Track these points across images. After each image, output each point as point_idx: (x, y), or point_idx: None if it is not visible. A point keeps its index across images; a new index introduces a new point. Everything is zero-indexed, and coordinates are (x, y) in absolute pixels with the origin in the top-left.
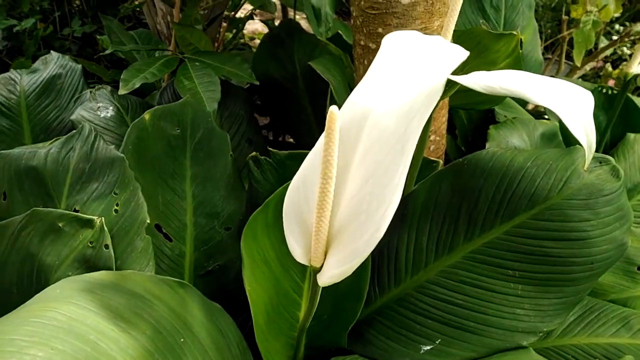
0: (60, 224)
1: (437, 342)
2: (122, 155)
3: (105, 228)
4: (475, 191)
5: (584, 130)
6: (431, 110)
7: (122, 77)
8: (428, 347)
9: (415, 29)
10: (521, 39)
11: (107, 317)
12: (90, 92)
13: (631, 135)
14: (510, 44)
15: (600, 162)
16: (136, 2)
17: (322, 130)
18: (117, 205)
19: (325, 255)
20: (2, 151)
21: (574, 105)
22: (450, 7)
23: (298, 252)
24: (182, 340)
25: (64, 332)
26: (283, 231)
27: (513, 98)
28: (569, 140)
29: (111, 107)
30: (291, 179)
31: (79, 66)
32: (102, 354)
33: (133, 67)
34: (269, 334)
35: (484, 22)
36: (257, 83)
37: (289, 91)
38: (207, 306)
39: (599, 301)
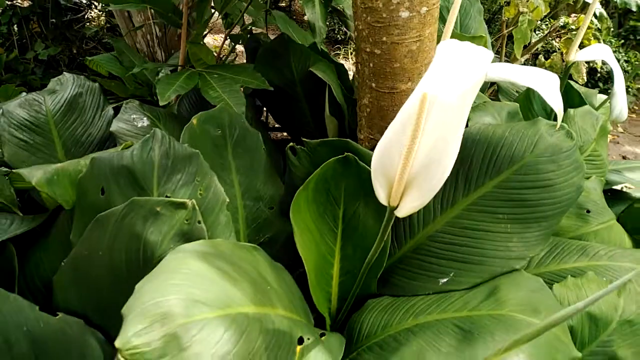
0: (158, 209)
1: (451, 274)
2: (197, 150)
3: (197, 207)
4: (468, 158)
5: (556, 100)
6: (476, 92)
7: (158, 91)
8: (444, 280)
9: (412, 37)
10: (485, 39)
11: (218, 271)
12: (124, 105)
13: (571, 110)
14: (480, 44)
15: (558, 128)
16: (95, 25)
17: (318, 125)
18: (200, 190)
19: (401, 197)
20: (94, 155)
21: (547, 84)
22: (448, 17)
23: (382, 196)
24: (268, 287)
25: (200, 277)
26: (319, 206)
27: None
28: (527, 116)
29: (145, 118)
30: (322, 162)
31: (97, 84)
32: (228, 290)
33: (164, 82)
34: (317, 285)
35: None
36: (272, 89)
37: (289, 95)
38: (273, 265)
39: (561, 239)
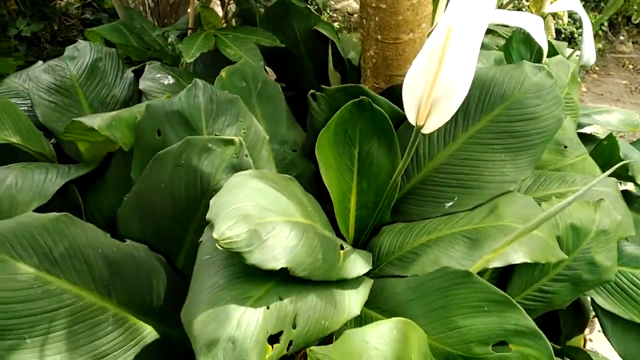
0: (210, 145)
1: (455, 199)
2: (237, 96)
3: (244, 143)
4: (466, 97)
5: (542, 38)
6: (486, 26)
7: (183, 50)
8: (450, 203)
9: None
10: None
11: (273, 189)
12: (147, 66)
13: (546, 59)
14: None
15: (540, 69)
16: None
17: (321, 81)
18: (243, 129)
19: (427, 116)
20: (147, 102)
21: (534, 25)
22: None
23: (411, 117)
24: (308, 209)
25: (262, 192)
26: (338, 146)
27: None
28: (510, 61)
29: (169, 76)
30: (339, 107)
31: (114, 50)
32: (284, 203)
33: (186, 43)
34: (340, 214)
35: None
36: (283, 45)
37: (293, 55)
38: (305, 193)
39: (544, 171)
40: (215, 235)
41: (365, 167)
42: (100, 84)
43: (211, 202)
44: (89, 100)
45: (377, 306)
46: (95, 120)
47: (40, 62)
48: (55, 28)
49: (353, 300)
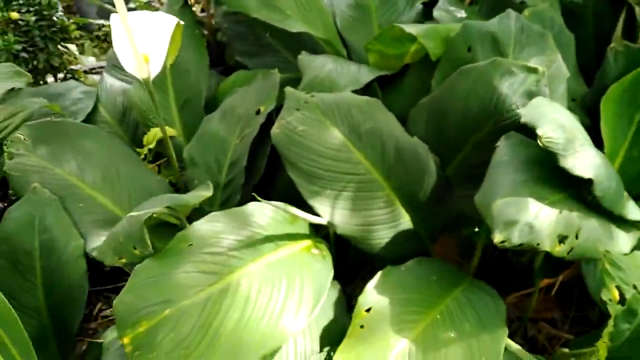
0: (514, 69)
1: None
2: (548, 31)
3: (545, 74)
4: None
5: None
6: None
7: None
8: None
9: None
10: None
11: (574, 118)
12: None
13: None
14: None
15: None
16: None
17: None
18: (547, 62)
19: None
20: (466, 22)
21: None
22: None
23: None
24: None
25: (567, 117)
26: (621, 105)
27: None
28: None
29: (462, 10)
30: (637, 66)
31: None
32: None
33: None
34: None
35: None
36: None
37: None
38: None
39: None
40: (539, 132)
41: None
42: (392, 9)
43: (524, 111)
44: (378, 22)
45: None
46: (412, 29)
47: None
48: None
49: (626, 241)
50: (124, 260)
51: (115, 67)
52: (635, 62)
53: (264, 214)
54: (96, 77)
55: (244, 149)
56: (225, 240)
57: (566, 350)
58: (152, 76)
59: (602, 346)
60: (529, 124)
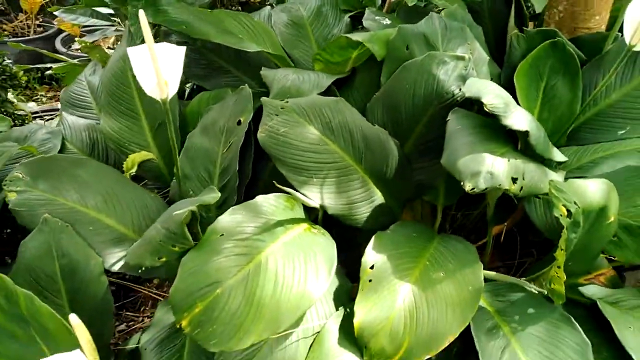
0: (446, 59)
1: (628, 128)
2: (464, 25)
3: (471, 60)
4: None
5: None
6: None
7: None
8: (623, 131)
9: None
10: None
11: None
12: (367, 10)
13: None
14: None
15: None
16: None
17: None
18: (470, 50)
19: None
20: (401, 25)
21: None
22: None
23: (627, 37)
24: None
25: (499, 89)
26: (529, 79)
27: None
28: None
29: (386, 18)
30: (535, 47)
31: None
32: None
33: None
34: None
35: None
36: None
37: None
38: None
39: None
40: (484, 101)
41: (547, 98)
42: (323, 24)
43: (466, 89)
44: (315, 35)
45: None
46: (358, 37)
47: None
48: None
49: (558, 177)
50: (163, 259)
51: (73, 106)
52: (533, 44)
53: (270, 204)
54: (40, 122)
55: (234, 155)
56: (247, 227)
57: (532, 275)
58: (169, 97)
59: (560, 254)
60: (474, 97)
